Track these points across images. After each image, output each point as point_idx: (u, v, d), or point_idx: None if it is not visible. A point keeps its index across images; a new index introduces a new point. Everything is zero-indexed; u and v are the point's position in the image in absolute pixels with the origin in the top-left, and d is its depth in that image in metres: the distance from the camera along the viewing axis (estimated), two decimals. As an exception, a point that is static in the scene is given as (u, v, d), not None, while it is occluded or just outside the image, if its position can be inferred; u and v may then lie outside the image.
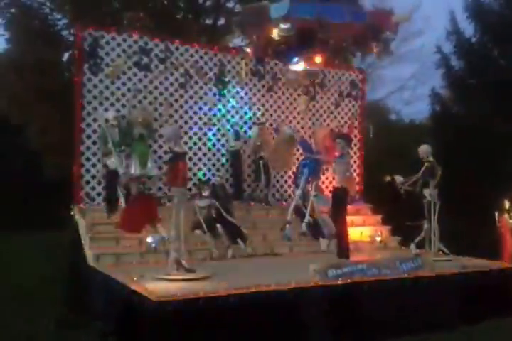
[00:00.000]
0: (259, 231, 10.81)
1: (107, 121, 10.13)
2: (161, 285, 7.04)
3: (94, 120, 10.43)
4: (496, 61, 18.10)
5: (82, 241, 9.26)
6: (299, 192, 10.81)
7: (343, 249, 9.18)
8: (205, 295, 6.43)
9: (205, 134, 11.71)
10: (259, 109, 12.42)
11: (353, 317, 7.41)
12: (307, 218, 10.42)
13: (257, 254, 10.10)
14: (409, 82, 24.87)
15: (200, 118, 11.67)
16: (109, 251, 9.01)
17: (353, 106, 13.74)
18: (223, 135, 11.89)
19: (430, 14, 21.64)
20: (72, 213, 10.07)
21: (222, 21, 17.10)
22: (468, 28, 18.34)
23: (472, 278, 8.59)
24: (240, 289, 6.76)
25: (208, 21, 17.59)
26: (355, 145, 13.56)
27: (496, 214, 11.62)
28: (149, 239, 8.93)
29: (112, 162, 9.81)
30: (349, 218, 11.17)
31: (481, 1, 18.23)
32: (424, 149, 10.39)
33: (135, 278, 7.34)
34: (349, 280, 7.58)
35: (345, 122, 13.50)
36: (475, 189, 15.17)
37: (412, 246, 10.49)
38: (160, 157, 11.06)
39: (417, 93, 24.55)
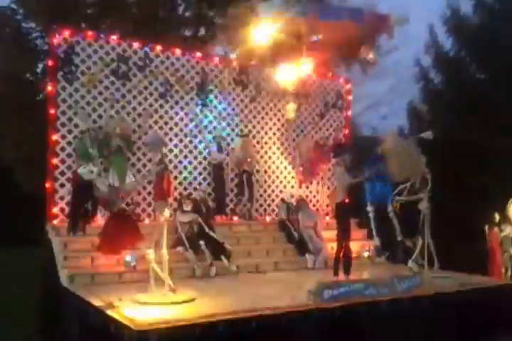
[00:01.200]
0: (243, 247, 10.33)
1: (82, 132, 9.64)
2: (142, 311, 6.40)
3: (69, 131, 9.88)
4: (474, 75, 18.13)
5: (56, 261, 8.60)
6: None
7: (350, 266, 8.69)
8: (192, 323, 5.83)
9: (186, 146, 11.20)
10: (242, 120, 11.97)
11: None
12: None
13: (242, 272, 9.55)
14: (385, 98, 24.59)
15: (181, 130, 11.16)
16: (84, 270, 8.38)
17: (338, 117, 13.36)
18: (205, 147, 11.39)
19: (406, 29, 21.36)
20: (45, 230, 9.42)
21: (202, 32, 16.59)
22: (446, 42, 18.57)
23: (471, 296, 8.25)
24: (229, 315, 6.17)
25: (188, 33, 17.06)
26: (340, 157, 13.08)
27: (486, 227, 11.23)
28: (128, 258, 8.46)
29: (90, 171, 9.01)
30: (334, 232, 10.85)
31: (461, 14, 18.14)
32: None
33: (117, 303, 6.71)
34: (346, 302, 7.08)
35: (330, 134, 13.08)
36: (463, 203, 14.86)
37: (412, 263, 9.95)
38: (139, 170, 10.52)
39: (392, 108, 24.21)
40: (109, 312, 6.27)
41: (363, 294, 7.41)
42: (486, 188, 14.94)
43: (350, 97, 13.63)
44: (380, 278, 8.19)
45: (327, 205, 12.76)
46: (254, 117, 12.13)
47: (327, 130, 13.12)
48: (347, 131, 13.48)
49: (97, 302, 6.76)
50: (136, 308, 6.55)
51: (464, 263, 9.82)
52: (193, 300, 7.05)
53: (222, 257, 9.40)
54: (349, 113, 13.65)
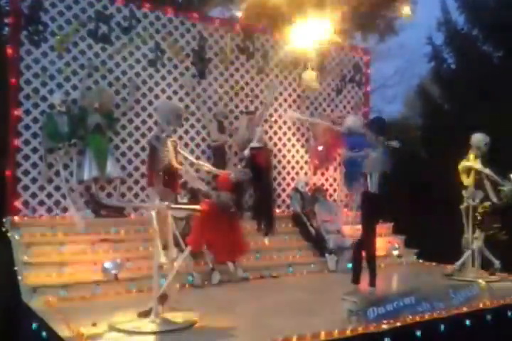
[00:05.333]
0: (251, 246, 8.43)
1: (52, 106, 8.13)
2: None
3: (35, 105, 8.20)
4: (488, 53, 16.86)
5: (16, 268, 6.83)
6: None
7: (375, 274, 6.92)
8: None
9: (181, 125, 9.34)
10: (247, 95, 10.28)
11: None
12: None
13: (251, 277, 7.99)
14: (391, 80, 23.48)
15: (175, 105, 9.34)
16: (51, 281, 6.63)
17: (357, 93, 11.80)
18: (204, 126, 9.72)
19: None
20: (4, 229, 7.70)
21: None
22: (459, 19, 17.55)
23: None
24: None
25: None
26: (359, 140, 11.43)
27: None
28: (107, 264, 6.80)
29: None
30: (356, 227, 9.36)
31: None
32: (483, 138, 8.36)
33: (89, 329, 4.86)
34: (397, 322, 5.53)
35: (348, 112, 11.48)
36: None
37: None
38: (123, 154, 8.88)
39: (399, 90, 23.08)
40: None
41: (415, 310, 5.85)
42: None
43: (369, 71, 12.06)
44: (432, 289, 6.57)
45: (346, 195, 11.11)
46: (262, 91, 10.45)
47: (344, 108, 11.56)
48: (366, 109, 11.93)
49: (62, 330, 4.95)
50: (116, 339, 4.73)
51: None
52: (192, 324, 5.22)
53: (227, 260, 7.85)
54: (368, 88, 12.08)
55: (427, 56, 18.15)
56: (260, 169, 8.97)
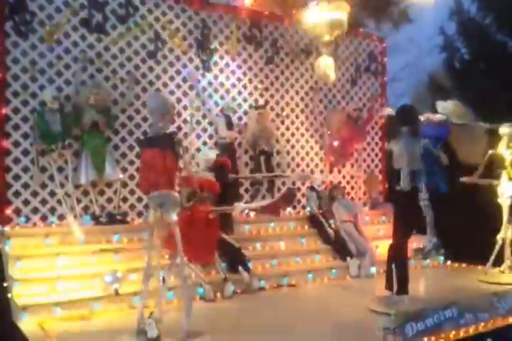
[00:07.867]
0: (265, 251, 8.20)
1: (43, 104, 7.46)
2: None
3: (24, 103, 7.47)
4: (504, 43, 16.58)
5: (5, 284, 6.17)
6: None
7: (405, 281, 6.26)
8: None
9: (185, 122, 8.81)
10: (256, 88, 9.58)
11: None
12: None
13: (267, 287, 7.36)
14: (400, 74, 23.08)
15: (178, 100, 8.76)
16: (44, 298, 5.96)
17: (372, 84, 11.07)
18: (210, 123, 9.05)
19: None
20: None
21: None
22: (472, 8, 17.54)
23: None
24: None
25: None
26: (376, 134, 11.02)
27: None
28: (108, 278, 6.20)
29: None
30: (374, 227, 9.42)
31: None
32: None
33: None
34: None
35: (364, 104, 10.79)
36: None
37: None
38: (124, 154, 8.20)
39: (409, 84, 22.67)
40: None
41: (457, 324, 5.28)
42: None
43: (385, 59, 11.32)
44: (474, 298, 5.92)
45: (364, 193, 10.48)
46: (272, 84, 9.77)
47: (360, 99, 10.84)
48: (384, 101, 11.21)
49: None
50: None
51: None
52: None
53: (241, 269, 7.16)
54: (385, 79, 11.34)
55: (439, 47, 18.02)
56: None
